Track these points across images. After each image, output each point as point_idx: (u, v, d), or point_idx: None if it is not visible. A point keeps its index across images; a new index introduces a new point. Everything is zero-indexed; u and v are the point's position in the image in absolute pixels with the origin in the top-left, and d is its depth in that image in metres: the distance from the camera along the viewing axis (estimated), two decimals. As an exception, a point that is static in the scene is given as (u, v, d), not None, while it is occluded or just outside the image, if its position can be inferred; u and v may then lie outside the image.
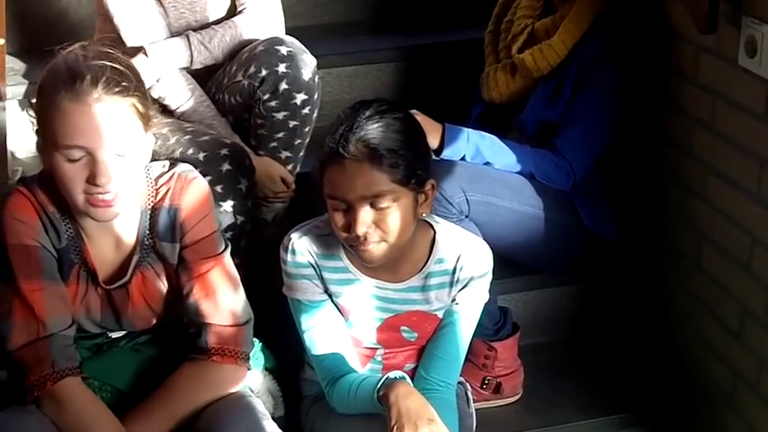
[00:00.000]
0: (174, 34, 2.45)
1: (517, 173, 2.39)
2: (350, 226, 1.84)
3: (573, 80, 2.40)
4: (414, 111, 2.34)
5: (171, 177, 1.88)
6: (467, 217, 2.28)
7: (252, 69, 2.34)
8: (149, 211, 1.87)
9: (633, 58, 2.41)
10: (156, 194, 1.87)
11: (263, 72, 2.32)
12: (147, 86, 2.36)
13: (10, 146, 2.73)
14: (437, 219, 2.03)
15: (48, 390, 1.75)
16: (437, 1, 3.23)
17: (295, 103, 2.34)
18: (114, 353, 1.95)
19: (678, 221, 2.44)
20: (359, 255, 1.89)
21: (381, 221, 1.84)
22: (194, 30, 2.44)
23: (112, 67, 1.71)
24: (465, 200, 2.27)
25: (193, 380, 1.86)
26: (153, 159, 2.28)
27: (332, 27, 3.18)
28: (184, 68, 2.45)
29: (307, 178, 2.55)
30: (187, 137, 2.30)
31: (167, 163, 1.90)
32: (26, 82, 2.83)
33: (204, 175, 2.17)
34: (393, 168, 1.82)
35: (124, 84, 1.71)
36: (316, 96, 2.38)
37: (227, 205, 2.23)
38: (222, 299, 1.88)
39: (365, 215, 1.83)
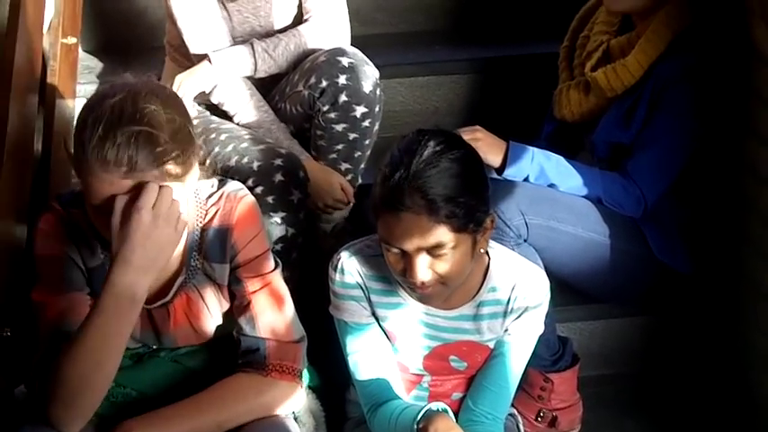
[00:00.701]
0: (237, 40, 2.41)
1: (583, 196, 2.29)
2: (406, 270, 1.78)
3: (648, 101, 2.29)
4: (476, 127, 2.29)
5: (220, 197, 1.84)
6: (525, 241, 2.19)
7: (312, 80, 2.30)
8: (198, 232, 1.83)
9: (712, 81, 2.29)
10: (206, 215, 1.83)
11: (324, 83, 2.29)
12: (207, 92, 2.37)
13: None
14: (492, 243, 1.94)
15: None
16: (515, 13, 3.15)
17: (355, 116, 2.30)
18: (153, 363, 1.92)
19: (757, 258, 2.30)
20: (417, 296, 1.84)
21: (439, 266, 1.78)
22: (258, 36, 2.41)
23: (146, 133, 1.63)
24: (524, 223, 2.18)
25: (244, 392, 1.81)
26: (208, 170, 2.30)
27: (409, 36, 3.11)
28: (248, 77, 2.42)
29: (367, 190, 2.49)
30: (243, 145, 2.27)
31: (215, 182, 1.86)
32: (98, 81, 2.84)
33: (257, 185, 2.19)
34: (452, 218, 1.74)
35: (154, 154, 1.63)
36: (377, 109, 2.33)
37: (278, 217, 2.20)
38: (276, 316, 1.85)
39: (422, 263, 1.77)
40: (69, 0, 2.71)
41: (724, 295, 2.43)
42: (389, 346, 1.94)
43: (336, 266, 1.91)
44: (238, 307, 1.84)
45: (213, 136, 2.34)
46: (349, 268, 1.90)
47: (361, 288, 1.90)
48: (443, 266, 1.77)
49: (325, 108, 2.30)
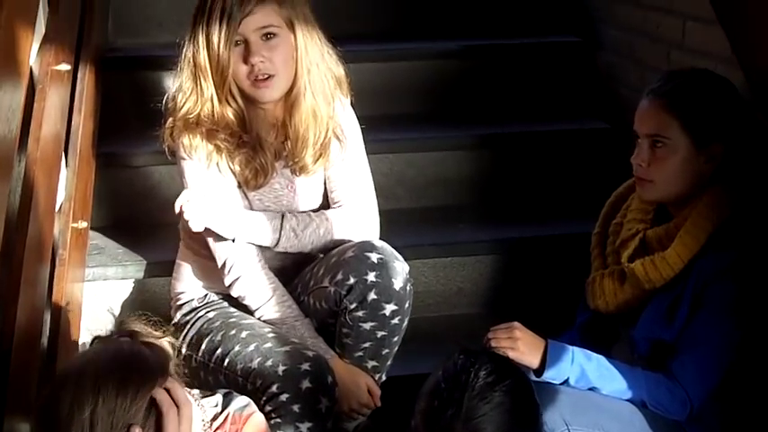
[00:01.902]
0: None
1: (626, 399, 2.16)
2: None
3: (690, 297, 2.18)
4: (514, 324, 2.18)
5: (225, 419, 1.74)
6: None
7: (339, 276, 2.20)
8: None
9: (759, 276, 2.19)
10: None
11: (352, 280, 2.18)
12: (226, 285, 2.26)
13: (84, 327, 2.62)
14: None
15: None
16: (542, 191, 3.11)
17: (384, 314, 2.20)
18: None
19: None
20: None
21: None
22: None
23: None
24: None
25: None
26: (226, 372, 2.16)
27: (430, 211, 3.04)
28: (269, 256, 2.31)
29: (391, 385, 2.37)
30: (267, 345, 2.15)
31: (220, 399, 1.76)
32: (106, 263, 2.74)
33: (282, 392, 2.06)
34: None
35: None
36: (407, 306, 2.23)
37: (304, 427, 2.06)
38: None
39: None
40: (81, 183, 2.62)
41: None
42: None
43: None
44: None
45: (233, 332, 2.22)
46: None
47: None
48: None
49: (353, 306, 2.19)
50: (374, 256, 2.19)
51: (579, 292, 2.45)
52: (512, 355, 2.15)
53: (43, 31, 2.34)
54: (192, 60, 2.22)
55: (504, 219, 3.01)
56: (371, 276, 2.18)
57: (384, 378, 2.31)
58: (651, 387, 2.17)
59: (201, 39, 2.19)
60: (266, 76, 2.21)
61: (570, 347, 2.17)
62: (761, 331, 2.23)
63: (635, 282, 2.26)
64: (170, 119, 2.28)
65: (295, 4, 2.25)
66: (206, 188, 2.27)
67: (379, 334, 2.21)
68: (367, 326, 2.20)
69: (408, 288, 2.22)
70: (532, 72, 3.31)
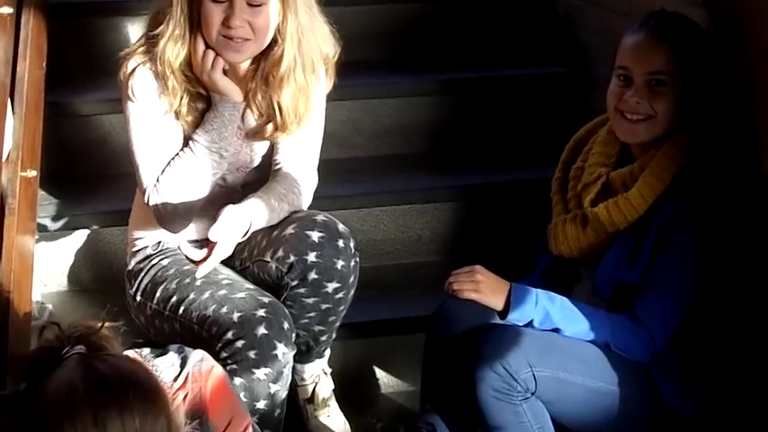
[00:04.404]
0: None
1: (590, 341, 2.16)
2: None
3: (653, 240, 2.17)
4: (476, 267, 2.17)
5: (186, 379, 1.68)
6: (533, 394, 2.06)
7: (280, 253, 2.14)
8: None
9: (722, 219, 2.19)
10: (173, 402, 1.65)
11: (291, 258, 2.12)
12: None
13: (37, 279, 2.58)
14: None
15: None
16: (497, 138, 3.08)
17: (327, 291, 2.15)
18: None
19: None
20: None
21: None
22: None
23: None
24: (532, 376, 2.04)
25: None
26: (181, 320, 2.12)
27: (387, 159, 3.01)
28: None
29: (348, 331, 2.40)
30: (222, 292, 2.11)
31: (175, 358, 1.70)
32: (59, 214, 2.69)
33: (237, 339, 2.03)
34: None
35: None
36: (351, 280, 2.17)
37: (261, 373, 2.02)
38: None
39: None
40: (29, 131, 2.53)
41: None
42: None
43: None
44: None
45: (188, 280, 2.17)
46: None
47: None
48: None
49: (294, 283, 2.14)
50: (315, 235, 2.13)
51: (539, 238, 2.44)
52: (475, 297, 2.14)
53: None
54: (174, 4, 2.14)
55: (463, 166, 2.99)
56: (312, 257, 2.11)
57: (334, 336, 2.28)
58: (614, 328, 2.17)
59: None
60: (240, 41, 2.15)
61: (534, 290, 2.16)
62: (723, 273, 2.24)
63: (598, 226, 2.24)
64: (133, 58, 2.20)
65: None
66: (152, 133, 2.20)
67: (324, 306, 2.17)
68: (310, 300, 2.15)
69: (352, 264, 2.16)
70: (490, 16, 3.27)
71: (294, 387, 2.30)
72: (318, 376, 2.34)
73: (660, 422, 2.22)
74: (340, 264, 2.14)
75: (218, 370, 1.74)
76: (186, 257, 2.15)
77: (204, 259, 2.09)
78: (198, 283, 2.15)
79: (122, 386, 1.39)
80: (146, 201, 2.22)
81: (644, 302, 2.17)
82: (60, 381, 1.39)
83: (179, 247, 2.15)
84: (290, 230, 2.15)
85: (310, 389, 2.33)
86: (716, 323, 2.30)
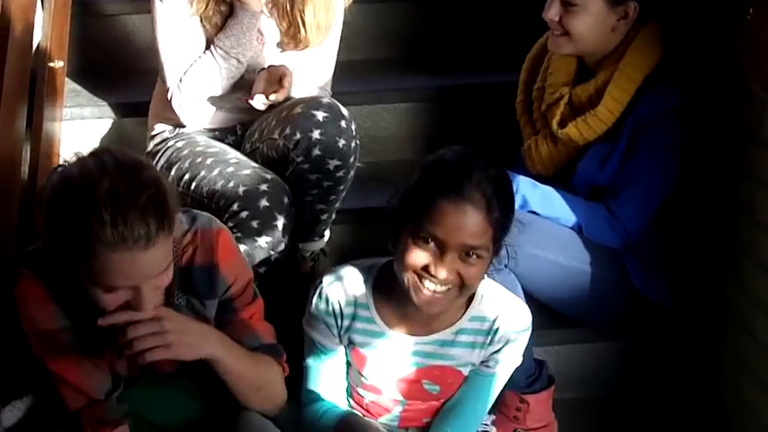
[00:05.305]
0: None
1: (566, 225, 2.32)
2: (429, 266, 1.80)
3: (627, 141, 2.30)
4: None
5: (195, 235, 1.86)
6: (506, 266, 2.19)
7: (287, 131, 2.31)
8: (179, 272, 1.84)
9: (692, 117, 2.30)
10: (183, 255, 1.85)
11: (298, 135, 2.29)
12: None
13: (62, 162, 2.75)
14: None
15: None
16: (468, 41, 3.19)
17: (328, 168, 2.31)
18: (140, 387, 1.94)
19: (734, 287, 2.34)
20: (419, 301, 1.85)
21: (465, 270, 1.81)
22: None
23: (155, 202, 1.65)
24: (505, 249, 2.19)
25: (272, 366, 1.90)
26: (193, 195, 2.32)
27: (359, 64, 3.12)
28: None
29: (346, 215, 2.56)
30: (229, 169, 2.30)
31: (183, 218, 1.87)
32: (85, 104, 2.88)
33: (242, 210, 2.22)
34: (497, 225, 1.80)
35: (164, 219, 1.66)
36: (351, 160, 2.34)
37: (262, 241, 2.22)
38: (266, 325, 1.93)
39: (453, 260, 1.80)
40: (57, 23, 2.73)
41: (702, 325, 2.47)
42: (344, 374, 2.00)
43: (317, 291, 1.95)
44: (236, 331, 1.87)
45: (200, 160, 2.37)
46: (329, 294, 1.94)
47: (335, 317, 1.94)
48: (469, 271, 1.80)
49: (299, 159, 2.30)
50: (320, 115, 2.29)
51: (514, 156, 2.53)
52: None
53: None
54: None
55: (431, 70, 3.09)
56: (316, 134, 2.28)
57: (333, 217, 2.47)
58: (591, 215, 2.31)
59: None
60: None
61: (516, 175, 2.28)
62: (697, 167, 2.37)
63: (569, 142, 2.35)
64: None
65: None
66: (177, 34, 2.38)
67: (325, 184, 2.34)
68: (313, 177, 2.32)
69: (353, 145, 2.32)
70: None
71: (296, 266, 2.50)
72: (318, 255, 2.53)
73: (630, 308, 2.37)
74: (341, 142, 2.30)
75: (225, 230, 1.90)
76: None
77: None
78: (209, 162, 2.35)
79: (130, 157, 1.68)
80: (168, 98, 2.42)
81: (618, 199, 2.30)
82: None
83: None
84: (297, 110, 2.32)
85: (309, 266, 2.52)
86: (688, 214, 2.44)
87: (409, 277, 1.83)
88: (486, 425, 2.09)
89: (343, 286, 1.95)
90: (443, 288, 1.82)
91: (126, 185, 1.63)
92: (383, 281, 1.94)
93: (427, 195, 1.79)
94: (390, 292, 1.92)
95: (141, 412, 1.90)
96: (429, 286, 1.81)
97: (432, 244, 1.80)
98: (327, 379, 1.99)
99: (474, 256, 1.80)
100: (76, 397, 1.81)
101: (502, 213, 1.81)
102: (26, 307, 1.80)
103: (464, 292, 1.85)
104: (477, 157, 1.82)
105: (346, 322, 1.95)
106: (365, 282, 1.94)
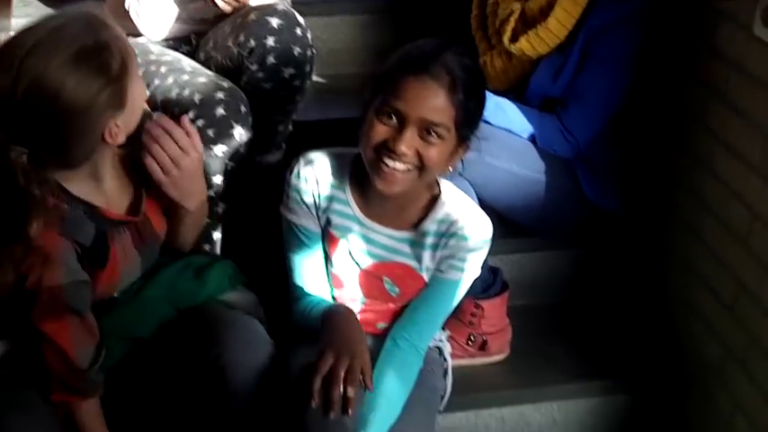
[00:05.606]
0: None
1: (519, 135, 2.35)
2: (389, 141, 1.81)
3: (579, 54, 2.31)
4: None
5: None
6: (460, 175, 2.24)
7: (241, 38, 2.29)
8: None
9: (642, 27, 2.33)
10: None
11: (252, 42, 2.26)
12: None
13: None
14: (442, 180, 1.99)
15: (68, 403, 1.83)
16: None
17: (283, 77, 2.29)
18: (124, 304, 1.97)
19: (684, 194, 2.39)
20: (379, 179, 1.85)
21: (424, 149, 1.82)
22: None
23: None
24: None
25: None
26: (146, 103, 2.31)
27: None
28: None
29: (304, 128, 2.55)
30: (184, 77, 2.27)
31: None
32: (34, 14, 2.82)
33: (198, 118, 2.20)
34: (460, 107, 1.81)
35: None
36: (307, 69, 2.31)
37: (219, 150, 2.20)
38: None
39: (413, 136, 1.80)
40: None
41: (652, 232, 2.53)
42: (323, 260, 2.01)
43: (293, 171, 1.97)
44: None
45: (153, 68, 2.34)
46: (307, 174, 1.96)
47: (313, 195, 1.96)
48: (428, 151, 1.81)
49: (254, 68, 2.28)
50: (274, 21, 2.26)
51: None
52: None
53: None
54: None
55: None
56: (270, 41, 2.25)
57: (290, 128, 2.46)
58: (544, 126, 2.34)
59: None
60: None
61: None
62: (647, 77, 2.40)
63: (523, 56, 2.36)
64: None
65: None
66: None
67: (281, 93, 2.32)
68: (268, 85, 2.30)
69: (309, 54, 2.30)
70: None
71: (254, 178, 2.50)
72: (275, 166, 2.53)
73: (582, 216, 2.43)
74: (297, 50, 2.28)
75: None
76: None
77: None
78: (163, 70, 2.32)
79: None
80: (126, 8, 2.37)
81: (569, 111, 2.33)
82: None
83: None
84: (251, 17, 2.29)
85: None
86: (640, 123, 2.48)
87: (370, 155, 1.85)
88: (440, 340, 2.12)
89: (321, 167, 1.96)
90: (403, 167, 1.82)
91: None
92: (357, 170, 1.95)
93: (395, 73, 1.81)
94: (362, 183, 1.94)
95: (126, 331, 1.94)
96: (388, 162, 1.82)
97: (394, 119, 1.81)
98: (311, 270, 2.00)
99: (434, 135, 1.80)
100: (60, 361, 1.80)
101: (466, 98, 1.81)
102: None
103: (424, 175, 1.85)
104: (452, 45, 1.84)
105: (324, 203, 1.96)
106: (341, 167, 1.95)
